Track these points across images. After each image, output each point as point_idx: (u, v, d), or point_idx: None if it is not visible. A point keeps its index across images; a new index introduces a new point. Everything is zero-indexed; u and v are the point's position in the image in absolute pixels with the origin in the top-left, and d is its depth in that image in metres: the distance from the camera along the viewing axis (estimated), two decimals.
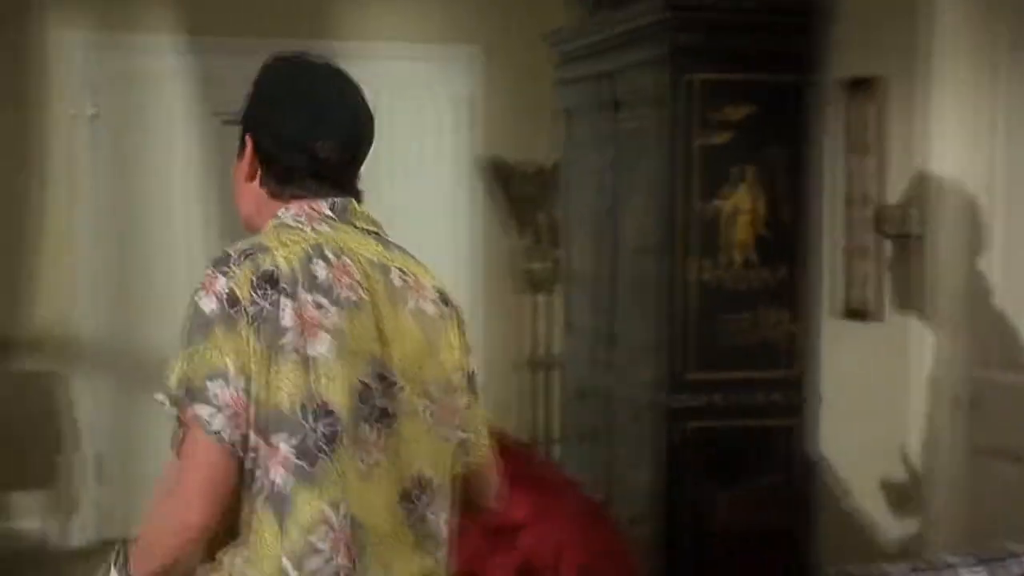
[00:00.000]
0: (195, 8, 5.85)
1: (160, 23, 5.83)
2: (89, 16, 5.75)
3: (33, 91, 5.67)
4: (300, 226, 1.96)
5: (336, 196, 2.03)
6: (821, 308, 4.32)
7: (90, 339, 5.82)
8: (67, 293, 5.77)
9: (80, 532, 5.83)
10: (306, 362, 1.81)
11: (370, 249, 1.99)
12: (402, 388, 1.91)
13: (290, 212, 1.99)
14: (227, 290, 1.86)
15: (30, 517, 5.80)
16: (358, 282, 1.91)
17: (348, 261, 1.92)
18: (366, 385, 1.86)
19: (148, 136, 5.87)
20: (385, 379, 1.89)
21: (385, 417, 1.88)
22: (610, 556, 3.27)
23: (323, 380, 1.82)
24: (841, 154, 4.19)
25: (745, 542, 4.19)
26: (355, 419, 1.84)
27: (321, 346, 1.83)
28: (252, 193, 2.09)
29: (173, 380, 1.83)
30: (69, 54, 5.72)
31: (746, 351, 4.24)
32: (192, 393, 1.80)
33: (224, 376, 1.79)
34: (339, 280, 1.89)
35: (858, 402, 4.16)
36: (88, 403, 5.85)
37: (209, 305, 1.87)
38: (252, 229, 2.06)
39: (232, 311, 1.84)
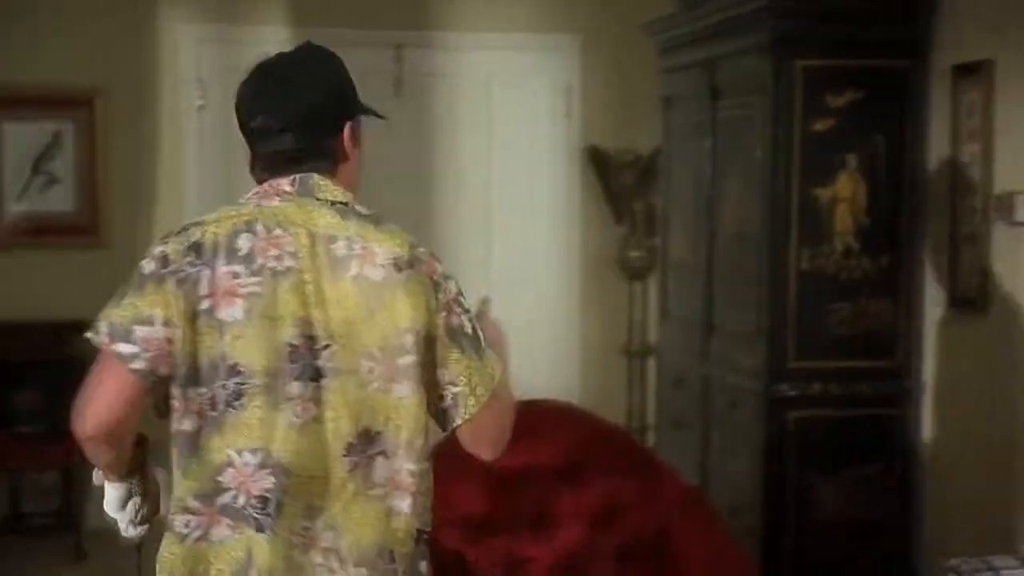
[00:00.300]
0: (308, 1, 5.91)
1: (266, 15, 5.91)
2: (200, 10, 5.85)
3: (148, 83, 5.79)
4: (246, 203, 2.17)
5: (299, 173, 2.18)
6: (925, 297, 4.24)
7: None
8: None
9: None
10: (220, 325, 2.02)
11: (320, 221, 2.12)
12: (335, 349, 2.03)
13: (248, 194, 2.20)
14: (161, 254, 2.09)
15: None
16: (289, 252, 2.06)
17: (280, 233, 2.08)
18: (293, 346, 2.02)
19: None
20: (314, 340, 2.03)
21: (318, 375, 2.03)
22: (712, 542, 3.24)
23: (234, 341, 2.01)
24: (947, 141, 4.11)
25: (847, 532, 4.13)
26: (282, 377, 2.01)
27: (234, 311, 2.02)
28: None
29: (103, 322, 2.07)
30: (182, 48, 5.83)
31: (848, 340, 4.17)
32: (116, 334, 2.04)
33: (150, 323, 2.02)
34: (263, 251, 2.06)
35: (963, 391, 4.08)
36: None
37: (148, 267, 2.09)
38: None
39: (163, 271, 2.07)
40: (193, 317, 2.03)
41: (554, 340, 6.27)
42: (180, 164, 5.87)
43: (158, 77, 5.80)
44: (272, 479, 2.02)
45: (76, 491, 5.48)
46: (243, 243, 2.08)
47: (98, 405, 2.06)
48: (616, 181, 6.05)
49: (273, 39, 5.88)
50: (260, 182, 2.23)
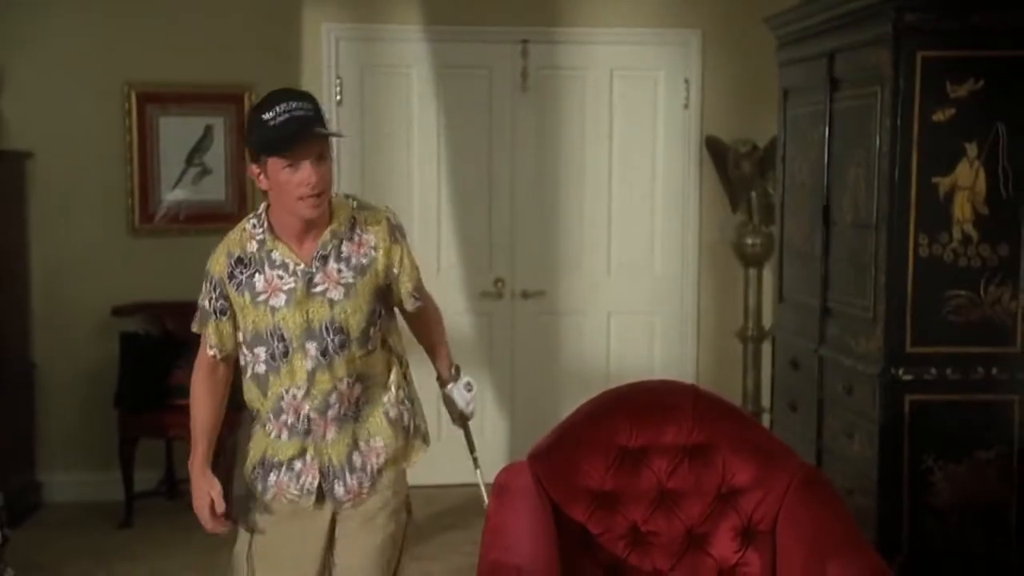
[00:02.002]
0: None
1: (400, 14, 5.93)
2: (339, 10, 5.89)
3: (291, 80, 5.85)
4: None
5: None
6: None
7: None
8: None
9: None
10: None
11: None
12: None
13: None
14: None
15: None
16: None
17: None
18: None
19: (386, 120, 5.98)
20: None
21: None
22: (830, 523, 3.15)
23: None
24: None
25: (963, 516, 3.99)
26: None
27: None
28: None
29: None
30: (322, 46, 5.89)
31: (966, 327, 4.02)
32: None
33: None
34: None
35: None
36: None
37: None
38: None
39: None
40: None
41: (672, 325, 6.20)
42: None
43: (300, 74, 5.87)
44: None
45: (223, 461, 5.58)
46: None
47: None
48: (734, 170, 5.95)
49: (405, 37, 5.93)
50: None
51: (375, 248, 2.97)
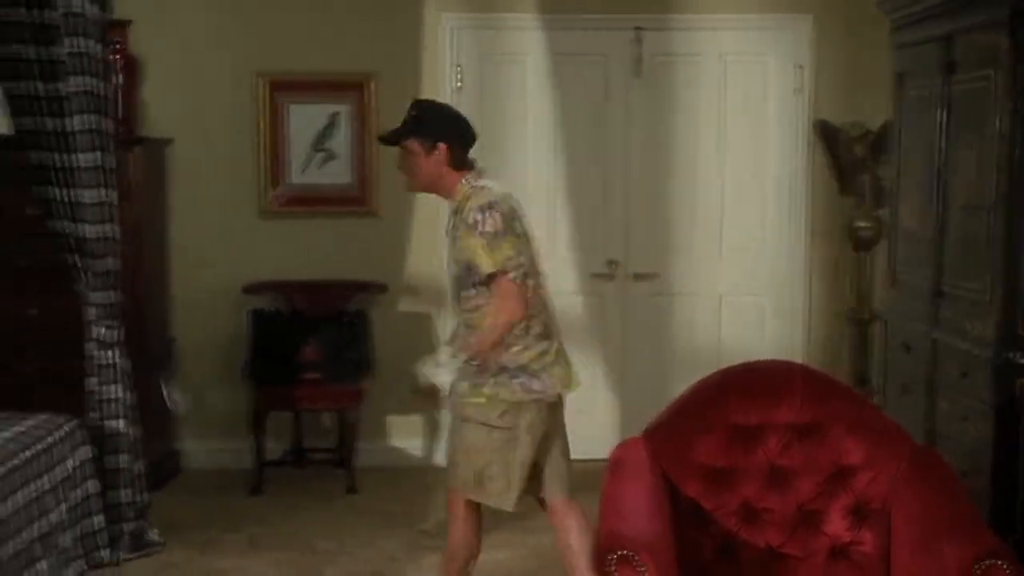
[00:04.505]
0: None
1: (516, 3, 5.93)
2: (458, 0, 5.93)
3: (412, 68, 5.91)
4: (491, 184, 3.61)
5: (475, 167, 3.66)
6: None
7: None
8: (436, 245, 5.99)
9: (440, 454, 6.07)
10: (532, 248, 3.62)
11: None
12: None
13: (471, 180, 3.61)
14: (500, 219, 3.47)
15: (414, 438, 6.11)
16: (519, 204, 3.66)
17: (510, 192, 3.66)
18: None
19: (503, 106, 6.00)
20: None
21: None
22: (944, 503, 3.08)
23: (536, 257, 3.64)
24: None
25: None
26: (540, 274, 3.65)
27: (529, 238, 3.63)
28: (437, 166, 3.59)
29: (494, 263, 3.44)
30: (442, 35, 5.92)
31: None
32: (508, 268, 3.46)
33: (514, 256, 3.48)
34: (518, 204, 3.65)
35: None
36: None
37: (495, 227, 3.46)
38: (438, 190, 3.66)
39: (508, 226, 3.49)
40: (525, 243, 3.59)
41: (781, 307, 6.11)
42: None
43: (421, 62, 5.91)
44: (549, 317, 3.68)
45: (350, 432, 5.69)
46: (518, 207, 3.64)
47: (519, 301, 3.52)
48: (845, 154, 5.83)
49: (522, 25, 5.93)
50: (461, 169, 3.60)
51: (459, 228, 3.52)
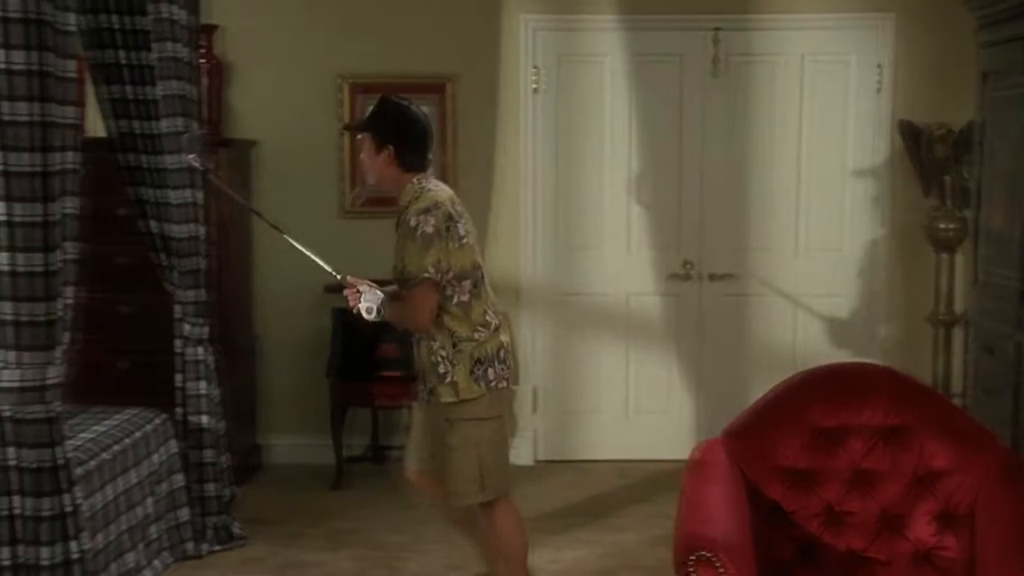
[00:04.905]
0: None
1: (594, 4, 5.91)
2: (545, 1, 5.91)
3: (492, 70, 5.92)
4: (436, 188, 3.76)
5: (425, 169, 3.79)
6: None
7: (539, 285, 6.04)
8: (514, 243, 6.01)
9: (527, 453, 6.08)
10: (471, 249, 3.72)
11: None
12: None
13: (421, 182, 3.75)
14: (434, 224, 3.61)
15: None
16: (462, 209, 3.78)
17: (454, 197, 3.80)
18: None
19: (580, 107, 5.98)
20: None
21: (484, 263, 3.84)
22: None
23: (474, 254, 3.73)
24: None
25: None
26: (483, 272, 3.77)
27: (471, 239, 3.74)
28: (385, 166, 3.75)
29: (419, 268, 3.60)
30: (521, 36, 5.92)
31: None
32: (429, 271, 3.59)
33: (440, 260, 3.61)
34: (460, 210, 3.76)
35: None
36: (536, 341, 6.08)
37: (430, 232, 3.60)
38: (386, 186, 3.84)
39: (440, 233, 3.62)
40: (458, 247, 3.66)
41: (861, 308, 6.01)
42: (519, 142, 5.98)
43: (501, 64, 5.92)
44: (497, 315, 3.81)
45: None
46: (459, 209, 3.75)
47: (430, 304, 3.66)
48: (927, 154, 5.71)
49: (600, 26, 5.91)
50: (411, 170, 3.74)
51: (401, 227, 3.70)
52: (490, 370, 3.73)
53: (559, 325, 6.06)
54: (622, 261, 6.05)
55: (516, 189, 6.01)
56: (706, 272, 6.02)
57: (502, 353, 3.78)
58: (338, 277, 3.82)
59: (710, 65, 5.90)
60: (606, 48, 5.93)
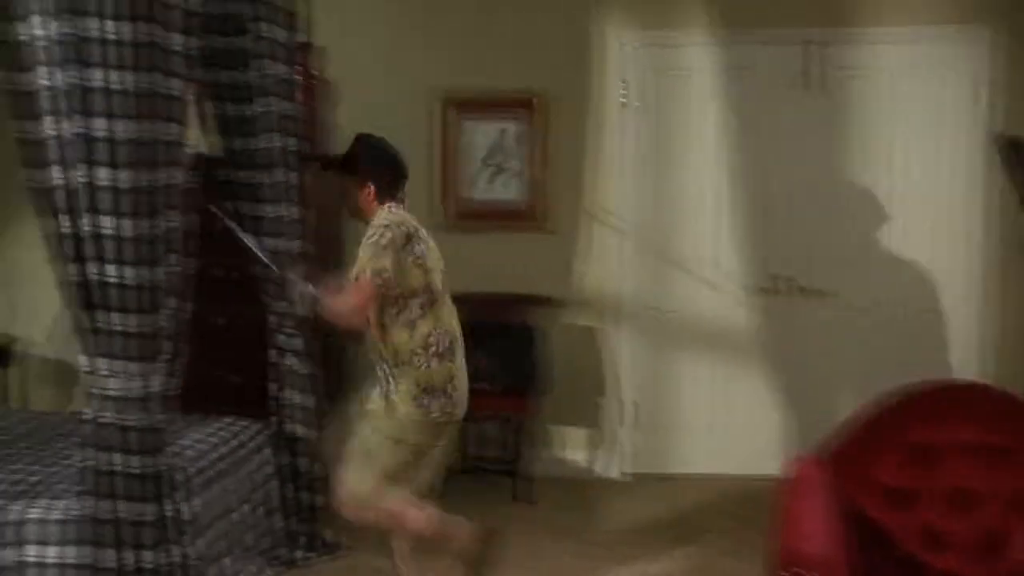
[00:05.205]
0: (724, 4, 5.84)
1: (686, 21, 5.89)
2: (628, 18, 5.91)
3: (583, 86, 5.93)
4: (400, 215, 3.91)
5: (399, 200, 3.99)
6: None
7: (630, 300, 6.02)
8: (611, 259, 6.00)
9: (616, 466, 6.07)
10: (425, 270, 3.84)
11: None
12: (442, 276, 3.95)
13: (389, 209, 3.94)
14: (392, 238, 3.78)
15: (577, 449, 6.11)
16: (426, 236, 3.95)
17: (418, 226, 3.94)
18: (441, 278, 3.93)
19: (671, 122, 5.95)
20: (442, 275, 3.94)
21: (445, 291, 3.94)
22: None
23: (430, 276, 3.86)
24: None
25: None
26: (443, 292, 3.91)
27: (429, 262, 3.87)
28: (366, 200, 3.97)
29: (363, 268, 3.73)
30: (613, 52, 5.92)
31: None
32: (374, 273, 3.72)
33: (388, 271, 3.75)
34: (423, 236, 3.92)
35: None
36: (627, 355, 6.06)
37: (384, 243, 3.76)
38: (361, 216, 3.99)
39: (395, 246, 3.77)
40: (412, 266, 3.81)
41: (958, 323, 5.88)
42: (611, 158, 5.97)
43: (592, 80, 5.92)
44: (450, 338, 3.91)
45: (520, 442, 5.72)
46: (420, 232, 3.92)
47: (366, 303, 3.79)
48: None
49: (690, 41, 5.88)
50: (385, 201, 3.97)
51: (362, 241, 3.85)
52: (435, 403, 3.84)
53: (650, 339, 6.03)
54: (713, 275, 5.99)
55: (607, 204, 5.99)
56: (796, 286, 5.93)
57: (449, 387, 3.86)
58: (276, 271, 4.16)
59: (802, 79, 5.83)
60: (696, 63, 5.90)
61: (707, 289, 5.98)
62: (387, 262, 3.75)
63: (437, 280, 3.92)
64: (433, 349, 3.85)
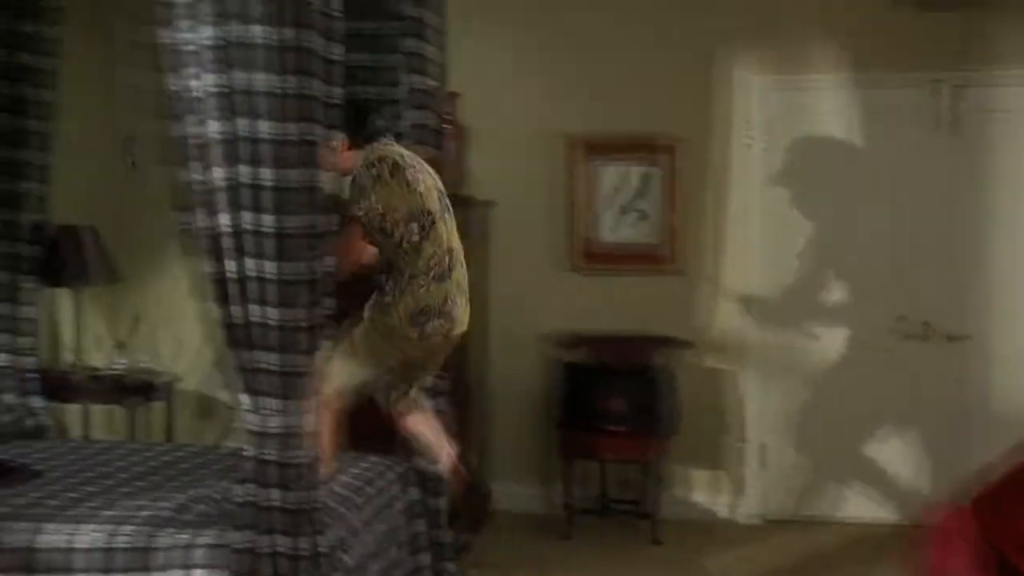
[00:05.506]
0: (854, 46, 5.79)
1: (819, 64, 5.86)
2: (762, 62, 5.92)
3: (719, 130, 5.94)
4: (380, 150, 3.92)
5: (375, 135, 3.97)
6: None
7: (758, 341, 5.98)
8: (739, 300, 5.97)
9: (744, 510, 6.00)
10: (423, 196, 3.88)
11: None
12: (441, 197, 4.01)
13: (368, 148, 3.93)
14: (376, 172, 3.84)
15: (704, 491, 6.07)
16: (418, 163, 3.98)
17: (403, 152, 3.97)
18: (439, 198, 3.97)
19: (805, 166, 5.91)
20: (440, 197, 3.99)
21: (445, 211, 3.99)
22: None
23: (425, 199, 3.88)
24: None
25: None
26: (440, 213, 3.92)
27: (421, 186, 3.89)
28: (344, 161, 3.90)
29: (354, 202, 3.81)
30: (747, 97, 5.93)
31: None
32: (360, 208, 3.81)
33: (372, 207, 3.81)
34: (414, 164, 3.96)
35: None
36: (755, 397, 6.00)
37: (363, 183, 3.83)
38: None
39: (381, 179, 3.84)
40: (407, 191, 3.85)
41: None
42: (745, 201, 5.95)
43: (727, 124, 5.94)
44: (451, 256, 3.93)
45: (654, 484, 5.70)
46: (408, 160, 3.95)
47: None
48: None
49: (824, 85, 5.85)
50: (358, 144, 3.94)
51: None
52: (430, 324, 3.87)
53: (779, 381, 5.97)
54: (850, 317, 5.91)
55: (742, 246, 5.97)
56: (933, 331, 5.81)
57: (448, 304, 3.88)
58: None
59: (936, 121, 5.74)
60: (832, 105, 5.87)
61: (838, 332, 5.90)
62: (370, 200, 3.79)
63: (433, 201, 3.93)
64: (434, 272, 3.87)
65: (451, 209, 4.04)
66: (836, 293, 5.93)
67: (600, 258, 6.08)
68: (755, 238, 5.96)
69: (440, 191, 4.00)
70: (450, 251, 3.97)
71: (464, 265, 4.03)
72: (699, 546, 5.59)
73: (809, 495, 5.97)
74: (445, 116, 5.01)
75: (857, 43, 5.80)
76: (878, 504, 5.82)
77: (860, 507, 5.88)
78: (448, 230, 3.99)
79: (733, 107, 5.93)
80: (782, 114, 5.93)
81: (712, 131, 5.94)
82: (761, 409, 6.00)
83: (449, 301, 3.91)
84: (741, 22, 5.89)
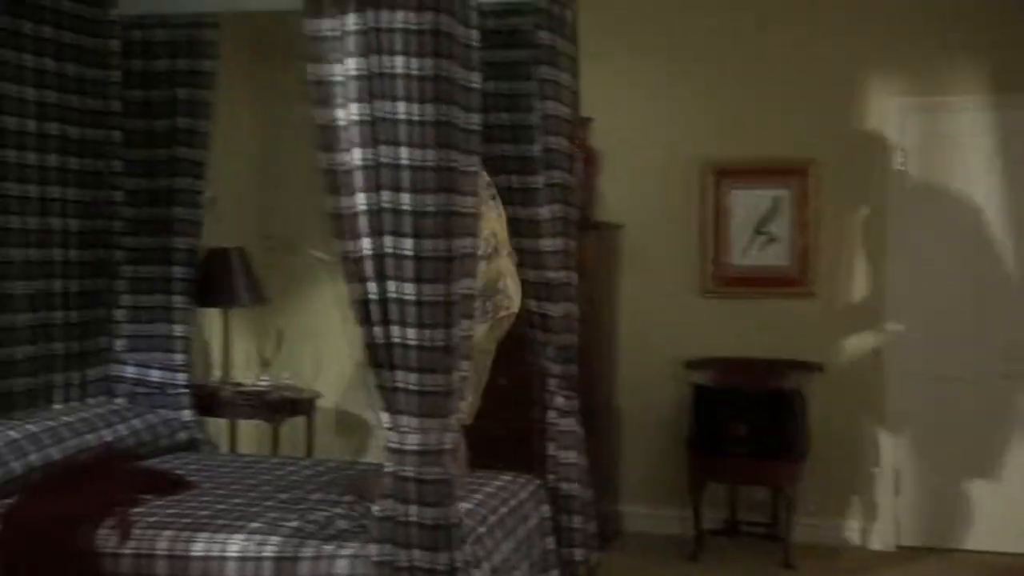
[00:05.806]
0: (1002, 67, 5.65)
1: (962, 86, 5.72)
2: (903, 84, 5.82)
3: (854, 152, 5.86)
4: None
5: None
6: None
7: (894, 365, 5.86)
8: (875, 325, 5.86)
9: (876, 536, 5.87)
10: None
11: None
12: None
13: None
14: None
15: (836, 516, 5.97)
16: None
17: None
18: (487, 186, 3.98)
19: (948, 189, 5.77)
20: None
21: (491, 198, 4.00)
22: None
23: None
24: None
25: None
26: (483, 199, 3.78)
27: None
28: None
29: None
30: (886, 118, 5.83)
31: None
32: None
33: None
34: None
35: None
36: (890, 422, 5.89)
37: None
38: None
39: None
40: None
41: None
42: (882, 224, 5.84)
43: (863, 146, 5.85)
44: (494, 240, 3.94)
45: (785, 508, 5.62)
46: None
47: None
48: None
49: (967, 107, 5.71)
50: None
51: None
52: (488, 302, 3.89)
53: (915, 406, 5.83)
54: (990, 343, 5.74)
55: (879, 271, 5.85)
56: None
57: (500, 283, 3.92)
58: None
59: None
60: (974, 127, 5.72)
61: (978, 357, 5.73)
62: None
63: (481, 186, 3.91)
64: (480, 252, 3.84)
65: (498, 197, 4.10)
66: (977, 318, 5.76)
67: (731, 281, 6.05)
68: (890, 260, 5.84)
69: (488, 181, 4.03)
70: (494, 234, 4.05)
71: (513, 254, 4.13)
72: (830, 571, 5.49)
73: (943, 523, 5.80)
74: (577, 141, 5.06)
75: (999, 63, 5.65)
76: (1015, 535, 5.62)
77: (995, 537, 5.69)
78: (498, 215, 4.08)
79: (873, 129, 5.84)
80: (922, 136, 5.81)
81: (851, 153, 5.86)
82: (896, 434, 5.86)
83: (501, 281, 4.00)
84: (880, 42, 5.80)
